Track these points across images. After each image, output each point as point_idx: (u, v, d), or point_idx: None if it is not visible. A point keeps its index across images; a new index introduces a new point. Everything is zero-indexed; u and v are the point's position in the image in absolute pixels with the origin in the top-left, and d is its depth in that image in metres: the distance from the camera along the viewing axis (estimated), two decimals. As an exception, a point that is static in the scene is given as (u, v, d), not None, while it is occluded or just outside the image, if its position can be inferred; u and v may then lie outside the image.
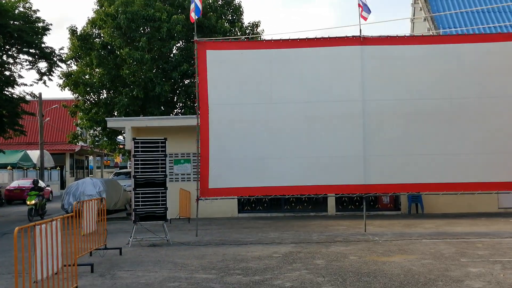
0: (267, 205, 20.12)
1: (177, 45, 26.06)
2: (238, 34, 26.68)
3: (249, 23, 28.48)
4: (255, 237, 13.93)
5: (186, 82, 26.29)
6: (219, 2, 27.77)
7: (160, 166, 13.14)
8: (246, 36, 25.54)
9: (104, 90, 26.59)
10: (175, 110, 27.33)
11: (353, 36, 14.45)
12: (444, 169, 14.29)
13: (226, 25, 26.37)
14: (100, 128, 26.87)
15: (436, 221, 16.70)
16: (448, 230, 14.48)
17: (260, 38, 25.84)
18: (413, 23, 27.81)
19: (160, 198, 13.16)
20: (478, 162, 14.24)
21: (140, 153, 13.08)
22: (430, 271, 9.16)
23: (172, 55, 25.86)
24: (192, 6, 14.76)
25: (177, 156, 20.22)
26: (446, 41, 15.12)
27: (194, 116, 15.70)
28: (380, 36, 14.53)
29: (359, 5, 14.22)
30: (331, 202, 19.91)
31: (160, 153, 13.15)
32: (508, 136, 14.24)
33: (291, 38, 14.57)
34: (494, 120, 14.32)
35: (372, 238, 13.18)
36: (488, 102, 14.34)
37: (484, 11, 24.41)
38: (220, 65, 14.69)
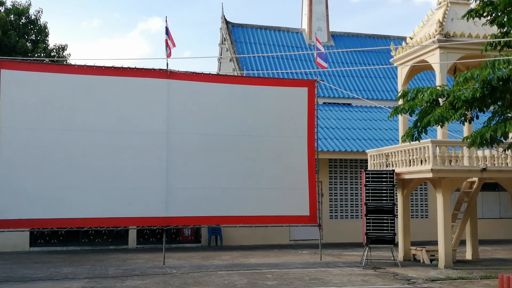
0: (63, 238, 18.97)
1: (-31, 61, 23.68)
2: (42, 55, 25.25)
3: (55, 45, 27.16)
4: (45, 273, 12.98)
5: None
6: (22, 21, 26.06)
7: None
8: (51, 59, 24.25)
9: None
10: (-38, 132, 24.62)
11: (160, 69, 14.61)
12: (242, 202, 14.99)
13: (28, 45, 24.78)
14: None
15: (233, 253, 17.33)
16: (243, 262, 15.10)
17: (67, 62, 24.74)
18: (220, 62, 29.13)
19: None
20: (272, 197, 15.21)
21: None
22: (222, 302, 9.42)
23: (-38, 71, 23.39)
24: None
25: (-39, 183, 18.10)
26: (247, 82, 16.12)
27: (-17, 139, 14.29)
28: (186, 72, 14.89)
29: (165, 41, 14.47)
30: (132, 234, 19.50)
31: None
32: (298, 173, 15.48)
33: (96, 65, 14.22)
34: (288, 158, 15.48)
35: (170, 271, 13.17)
36: (283, 141, 15.48)
37: (283, 57, 26.57)
38: (17, 86, 13.69)
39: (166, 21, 14.57)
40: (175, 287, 10.96)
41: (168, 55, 14.44)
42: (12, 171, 13.45)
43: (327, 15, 29.17)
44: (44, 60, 21.79)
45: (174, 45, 14.66)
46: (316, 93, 15.79)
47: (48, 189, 13.68)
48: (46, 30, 26.99)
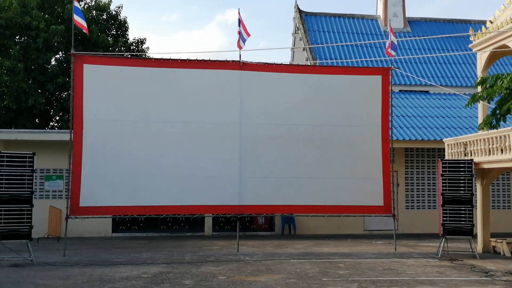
0: (143, 224, 19.77)
1: (55, 56, 25.08)
2: (122, 49, 26.30)
3: (134, 39, 28.18)
4: (126, 258, 13.64)
5: (63, 95, 25.32)
6: (103, 17, 27.21)
7: (26, 182, 12.54)
8: (130, 53, 25.22)
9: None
10: (51, 124, 26.16)
11: (232, 61, 14.84)
12: (315, 192, 14.97)
13: (109, 39, 25.85)
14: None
15: (306, 242, 17.40)
16: (315, 251, 15.14)
17: (145, 56, 25.64)
18: (293, 52, 29.08)
19: (25, 216, 12.53)
20: (345, 186, 15.08)
21: (5, 168, 12.42)
22: (293, 290, 9.53)
23: (49, 66, 24.80)
24: (78, 18, 14.19)
25: (49, 172, 19.31)
26: (319, 71, 16.02)
27: (68, 130, 15.20)
28: (258, 63, 15.04)
29: (238, 32, 14.67)
30: (208, 222, 20.02)
31: (27, 168, 12.55)
32: (371, 163, 15.25)
33: (172, 58, 14.67)
34: (361, 148, 15.28)
35: (244, 258, 13.45)
36: (356, 130, 15.30)
37: (358, 45, 26.14)
38: (98, 80, 14.36)
39: (239, 13, 14.76)
40: (247, 273, 11.19)
41: (239, 46, 14.60)
42: (94, 161, 14.14)
43: (403, 0, 28.36)
44: (124, 54, 22.70)
45: (248, 35, 14.82)
46: (390, 81, 15.46)
47: (128, 177, 14.29)
48: (126, 25, 28.06)
